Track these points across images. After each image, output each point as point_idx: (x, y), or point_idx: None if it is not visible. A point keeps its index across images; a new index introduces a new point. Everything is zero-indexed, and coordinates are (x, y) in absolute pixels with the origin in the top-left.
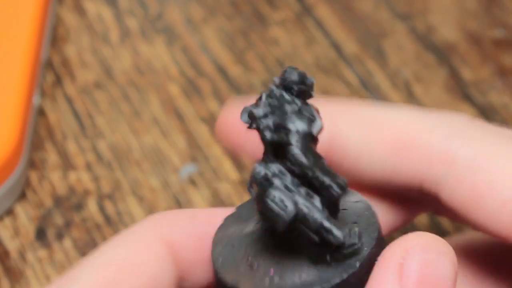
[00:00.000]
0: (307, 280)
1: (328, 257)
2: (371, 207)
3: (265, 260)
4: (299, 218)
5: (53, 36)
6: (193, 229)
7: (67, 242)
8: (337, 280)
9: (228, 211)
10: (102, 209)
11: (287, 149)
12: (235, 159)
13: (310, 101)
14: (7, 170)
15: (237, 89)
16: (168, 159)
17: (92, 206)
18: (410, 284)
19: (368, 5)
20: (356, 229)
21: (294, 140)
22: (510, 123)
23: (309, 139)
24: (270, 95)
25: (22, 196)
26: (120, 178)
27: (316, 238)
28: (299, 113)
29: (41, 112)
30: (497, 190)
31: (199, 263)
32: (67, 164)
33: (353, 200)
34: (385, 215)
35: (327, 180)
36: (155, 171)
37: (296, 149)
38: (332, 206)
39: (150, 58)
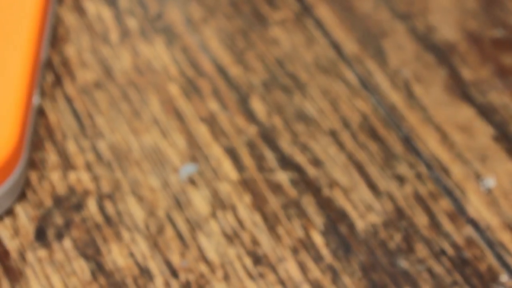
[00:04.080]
0: None
1: None
2: None
3: None
4: None
5: (53, 36)
6: None
7: (67, 242)
8: None
9: None
10: (102, 209)
11: None
12: (235, 159)
13: None
14: (7, 170)
15: (237, 89)
16: (168, 159)
17: (92, 206)
18: None
19: (368, 5)
20: None
21: None
22: (510, 123)
23: None
24: None
25: (22, 196)
26: (120, 178)
27: None
28: None
29: (41, 112)
30: None
31: None
32: (67, 164)
33: None
34: None
35: None
36: (155, 171)
37: None
38: None
39: (150, 58)
